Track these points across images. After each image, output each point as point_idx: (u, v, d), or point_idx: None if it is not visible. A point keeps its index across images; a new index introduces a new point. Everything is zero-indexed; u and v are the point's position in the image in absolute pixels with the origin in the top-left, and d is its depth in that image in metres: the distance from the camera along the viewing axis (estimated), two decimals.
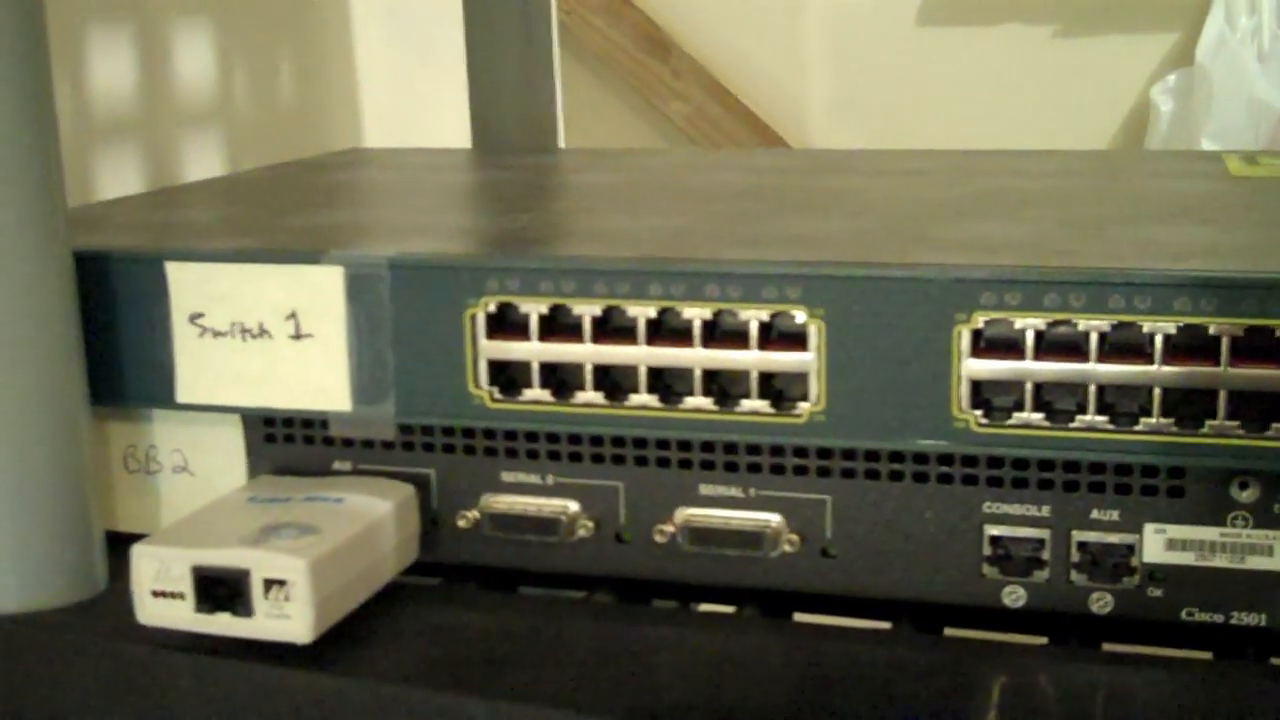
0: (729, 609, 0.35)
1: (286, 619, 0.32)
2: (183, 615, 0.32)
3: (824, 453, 0.33)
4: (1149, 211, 0.38)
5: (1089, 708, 0.29)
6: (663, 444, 0.34)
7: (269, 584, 0.32)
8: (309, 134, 0.68)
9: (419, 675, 0.31)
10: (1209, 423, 0.30)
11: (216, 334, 0.36)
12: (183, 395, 0.36)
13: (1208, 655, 0.32)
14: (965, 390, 0.31)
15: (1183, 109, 1.13)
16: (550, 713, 0.30)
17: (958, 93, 1.23)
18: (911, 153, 0.52)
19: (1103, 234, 0.35)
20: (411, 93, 0.74)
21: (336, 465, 0.37)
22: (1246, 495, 0.31)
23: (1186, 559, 0.31)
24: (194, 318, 0.36)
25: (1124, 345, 0.30)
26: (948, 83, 1.24)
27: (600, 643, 0.33)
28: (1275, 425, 0.29)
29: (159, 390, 0.36)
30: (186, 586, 0.32)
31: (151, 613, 0.33)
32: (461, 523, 0.36)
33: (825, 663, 0.31)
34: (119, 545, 0.36)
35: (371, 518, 0.34)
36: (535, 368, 0.33)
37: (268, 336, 0.35)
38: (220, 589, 0.32)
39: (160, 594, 0.33)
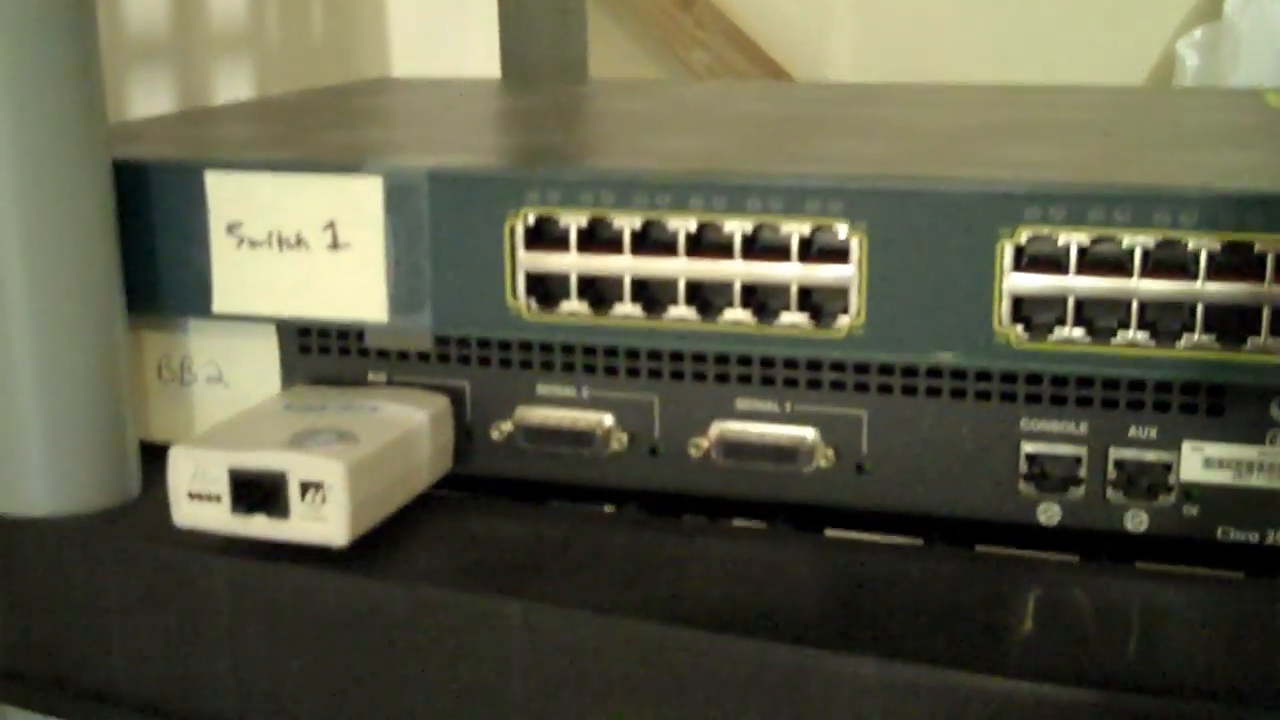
0: (762, 525, 0.35)
1: (322, 522, 0.32)
2: (218, 517, 0.33)
3: (861, 368, 0.33)
4: (1191, 138, 0.38)
5: (1124, 621, 0.29)
6: (699, 358, 0.34)
7: (305, 487, 0.32)
8: (338, 64, 0.68)
9: (455, 579, 0.32)
10: (1251, 340, 0.30)
11: (254, 244, 0.36)
12: (219, 305, 0.36)
13: (1241, 575, 0.32)
14: (1006, 306, 0.31)
15: (1209, 63, 1.12)
16: (587, 616, 0.30)
17: (982, 47, 1.23)
18: (947, 86, 0.52)
19: (1146, 156, 0.35)
20: (440, 24, 0.74)
21: (371, 377, 0.37)
22: None
23: (1224, 477, 0.31)
24: (232, 227, 0.36)
25: (1167, 262, 0.30)
26: (972, 36, 1.23)
27: (635, 552, 0.33)
28: None
29: (195, 300, 0.36)
30: (223, 489, 0.32)
31: (187, 514, 0.33)
32: (495, 435, 0.36)
33: (858, 573, 0.31)
34: (151, 456, 0.36)
35: (407, 426, 0.34)
36: (573, 280, 0.33)
37: (305, 247, 0.35)
38: (257, 492, 0.32)
39: (196, 496, 0.33)
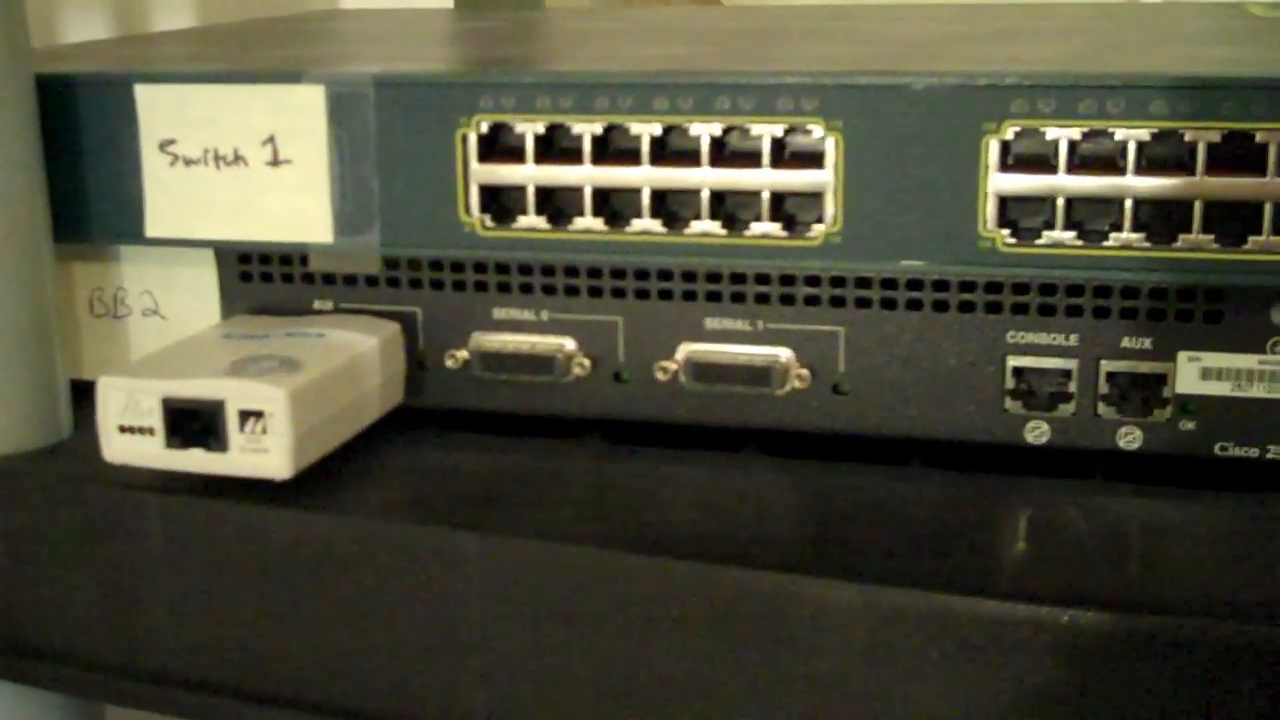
0: (734, 451, 0.33)
1: (264, 453, 0.30)
2: (152, 452, 0.30)
3: (837, 281, 0.31)
4: (1181, 37, 0.36)
5: (1119, 540, 0.27)
6: (665, 274, 0.32)
7: (245, 416, 0.30)
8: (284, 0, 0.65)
9: (406, 512, 0.30)
10: (1251, 238, 0.28)
11: (189, 162, 0.33)
12: (152, 229, 0.34)
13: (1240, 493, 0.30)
14: (992, 208, 0.29)
15: None
16: (546, 546, 0.28)
17: (948, 7, 1.21)
18: (925, 3, 0.50)
19: (1135, 52, 0.33)
20: None
21: (317, 305, 0.34)
22: None
23: (1222, 389, 0.29)
24: (165, 145, 0.33)
25: (1163, 159, 0.28)
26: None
27: (599, 481, 0.31)
28: None
29: (127, 225, 0.34)
30: (156, 421, 0.30)
31: (118, 449, 0.31)
32: (450, 363, 0.33)
33: (838, 498, 0.30)
34: (84, 394, 0.34)
35: (355, 352, 0.32)
36: (530, 192, 0.31)
37: (243, 164, 0.33)
38: (193, 423, 0.30)
39: (128, 429, 0.31)
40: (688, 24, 0.45)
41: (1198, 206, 0.28)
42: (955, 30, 0.39)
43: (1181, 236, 0.28)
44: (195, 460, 0.30)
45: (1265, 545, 0.27)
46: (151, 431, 0.30)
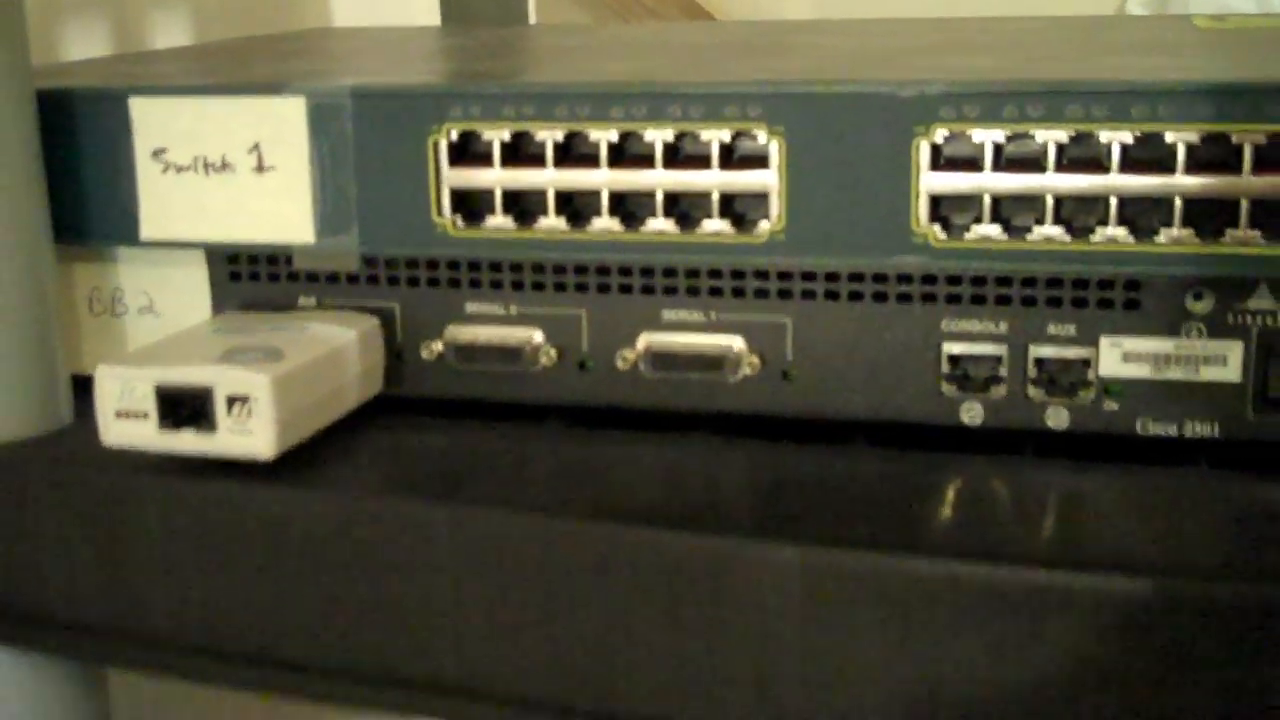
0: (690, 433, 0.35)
1: (249, 435, 0.32)
2: (146, 434, 0.33)
3: (784, 274, 0.33)
4: (1116, 49, 0.38)
5: (1041, 507, 0.30)
6: (624, 270, 0.34)
7: (231, 401, 0.32)
8: (277, 15, 0.68)
9: (382, 488, 0.32)
10: (1164, 231, 0.30)
11: (179, 169, 0.36)
12: (146, 232, 0.36)
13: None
14: (924, 205, 0.31)
15: None
16: (513, 517, 0.30)
17: (912, 22, 1.23)
18: (885, 19, 0.52)
19: (1064, 63, 0.35)
20: None
21: (301, 301, 0.37)
22: (1201, 306, 0.31)
23: (1142, 371, 0.32)
24: (157, 153, 0.36)
25: (1081, 159, 0.30)
26: (927, 11, 1.24)
27: (564, 458, 0.33)
28: (1230, 232, 0.30)
29: (122, 228, 0.36)
30: (150, 406, 0.32)
31: (115, 433, 0.33)
32: (425, 354, 0.36)
33: (783, 473, 0.32)
34: (84, 389, 0.36)
35: (335, 343, 0.34)
36: (498, 195, 0.34)
37: (231, 170, 0.35)
38: (184, 408, 0.32)
39: (124, 414, 0.33)
40: (657, 40, 0.47)
41: (1113, 202, 0.30)
42: (906, 44, 0.41)
43: (1099, 230, 0.30)
44: (186, 442, 0.32)
45: (1175, 511, 0.29)
46: (146, 416, 0.33)
